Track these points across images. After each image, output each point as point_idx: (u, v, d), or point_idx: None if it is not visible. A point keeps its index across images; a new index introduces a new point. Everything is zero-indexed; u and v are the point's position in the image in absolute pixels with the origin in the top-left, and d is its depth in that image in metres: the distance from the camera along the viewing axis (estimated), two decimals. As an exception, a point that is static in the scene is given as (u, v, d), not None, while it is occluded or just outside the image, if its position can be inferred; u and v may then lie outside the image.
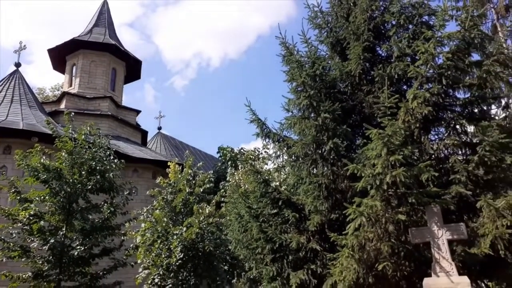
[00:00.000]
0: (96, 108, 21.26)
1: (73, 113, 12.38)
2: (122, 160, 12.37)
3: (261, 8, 70.34)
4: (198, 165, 14.23)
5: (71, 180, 10.84)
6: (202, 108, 76.47)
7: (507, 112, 13.61)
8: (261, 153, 21.95)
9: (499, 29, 13.82)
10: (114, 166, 11.66)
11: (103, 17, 24.24)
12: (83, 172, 11.09)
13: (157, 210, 12.52)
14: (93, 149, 11.43)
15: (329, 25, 8.95)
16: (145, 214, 12.85)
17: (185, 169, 13.32)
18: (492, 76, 6.64)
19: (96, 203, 11.42)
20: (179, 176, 13.08)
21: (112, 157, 11.92)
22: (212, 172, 15.57)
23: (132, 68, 24.95)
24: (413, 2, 7.72)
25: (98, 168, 11.13)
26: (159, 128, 28.46)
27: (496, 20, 14.13)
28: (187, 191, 12.65)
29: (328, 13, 9.04)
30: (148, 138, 25.51)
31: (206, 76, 76.45)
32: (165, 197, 12.78)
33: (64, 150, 11.02)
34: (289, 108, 8.32)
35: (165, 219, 12.22)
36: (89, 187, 11.00)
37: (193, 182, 13.06)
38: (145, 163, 19.19)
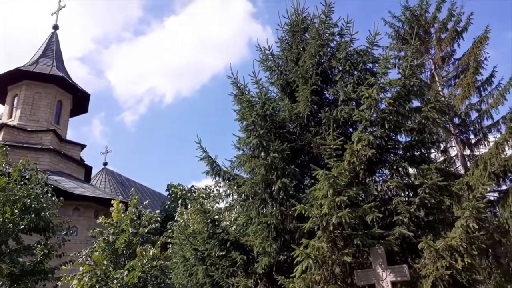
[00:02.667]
0: (38, 141, 20.10)
1: (8, 147, 11.55)
2: (61, 198, 11.59)
3: (216, 49, 71.91)
4: (144, 203, 13.65)
5: (1, 219, 9.93)
6: (152, 144, 74.90)
7: (445, 156, 14.47)
8: (213, 191, 21.57)
9: (436, 78, 14.92)
10: (51, 204, 10.88)
11: (51, 48, 23.49)
12: (16, 211, 10.22)
13: (97, 252, 11.71)
14: (29, 185, 10.64)
15: (279, 68, 9.20)
16: (83, 256, 11.97)
17: (129, 207, 12.70)
18: (430, 122, 7.05)
19: (28, 244, 10.49)
20: (123, 215, 12.43)
21: (50, 194, 11.14)
22: (159, 211, 14.99)
23: (79, 102, 24.09)
24: (358, 49, 8.16)
25: (33, 206, 10.32)
26: (105, 164, 27.30)
27: (434, 69, 15.29)
28: (131, 231, 12.00)
29: (279, 57, 9.32)
30: (93, 174, 24.34)
31: (158, 112, 75.61)
32: (107, 238, 12.03)
33: (-4, 187, 10.15)
34: (240, 146, 8.30)
35: (105, 262, 11.43)
36: (22, 226, 10.12)
37: (138, 222, 12.45)
38: (87, 201, 18.15)
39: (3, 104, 22.60)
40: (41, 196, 10.68)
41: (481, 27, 14.91)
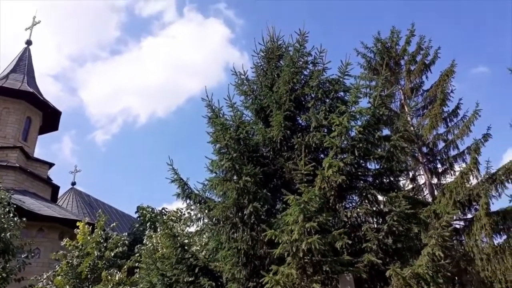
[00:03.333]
0: (3, 158, 19.37)
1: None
2: (24, 219, 11.13)
3: (194, 72, 72.16)
4: (112, 225, 13.25)
5: (-44, 240, 9.42)
6: (124, 165, 73.41)
7: (414, 184, 14.84)
8: (184, 214, 21.17)
9: (405, 108, 15.46)
10: (13, 224, 10.41)
11: (23, 64, 22.98)
12: (-26, 231, 9.72)
13: (60, 276, 11.20)
14: (-10, 204, 10.17)
15: (254, 92, 9.32)
16: (44, 280, 11.42)
17: (96, 229, 12.30)
18: (398, 150, 7.25)
19: (-16, 268, 9.94)
20: (89, 237, 12.01)
21: (12, 214, 10.67)
22: (127, 234, 14.56)
23: (50, 119, 23.49)
24: (330, 78, 8.39)
25: (-8, 226, 9.85)
26: (73, 184, 26.46)
27: (403, 100, 15.85)
28: (96, 254, 11.58)
29: (254, 82, 9.45)
30: (60, 194, 23.52)
31: (131, 132, 74.51)
32: (70, 261, 11.55)
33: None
34: (212, 169, 8.25)
35: (67, 287, 10.93)
36: (-21, 248, 9.62)
37: (105, 244, 12.04)
38: (52, 222, 17.46)
39: (-32, 119, 21.76)
40: (1, 216, 10.22)
41: (448, 61, 15.60)
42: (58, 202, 22.97)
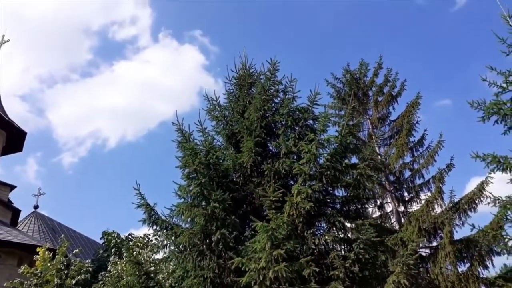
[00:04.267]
0: (-40, 180, 18.39)
1: None
2: (-21, 244, 10.50)
3: (167, 96, 71.88)
4: (75, 251, 12.70)
5: None
6: (90, 189, 71.15)
7: (382, 212, 15.10)
8: (151, 240, 20.57)
9: (373, 137, 15.90)
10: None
11: (-12, 82, 22.27)
12: None
13: (15, 306, 10.56)
14: None
15: (226, 118, 9.39)
16: (-3, 311, 10.73)
17: (57, 256, 11.75)
18: (365, 178, 7.41)
19: None
20: (49, 264, 11.45)
21: (-34, 239, 10.06)
22: (91, 260, 13.98)
23: (14, 139, 22.63)
24: (300, 107, 8.58)
25: None
26: (36, 207, 25.34)
27: (371, 129, 16.32)
28: (56, 282, 11.02)
29: (226, 108, 9.54)
30: (22, 218, 22.43)
31: (100, 156, 72.69)
32: (28, 289, 10.94)
33: None
34: (180, 194, 8.15)
35: (23, 317, 10.30)
36: None
37: (66, 272, 11.49)
38: (10, 247, 16.54)
39: None
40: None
41: (414, 93, 16.31)
42: (18, 226, 21.88)
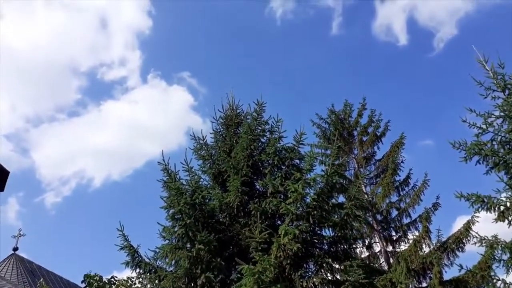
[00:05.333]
0: None
1: None
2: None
3: (154, 136, 71.79)
4: (53, 297, 12.13)
5: None
6: (73, 230, 68.93)
7: (370, 252, 14.92)
8: (134, 283, 19.81)
9: (359, 177, 15.98)
10: None
11: (-27, 121, 22.03)
12: None
13: None
14: None
15: (212, 157, 9.40)
16: None
17: (34, 302, 11.20)
18: (351, 218, 7.39)
19: None
20: (25, 311, 10.88)
21: None
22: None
23: (-4, 179, 22.11)
24: (286, 146, 8.66)
25: None
26: (15, 249, 24.38)
27: (357, 168, 16.45)
28: (32, 331, 10.43)
29: (213, 147, 9.57)
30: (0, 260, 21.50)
31: (84, 195, 71.07)
32: None
33: None
34: (165, 235, 7.96)
35: None
36: None
37: (42, 319, 10.92)
38: (-15, 293, 15.76)
39: None
40: None
41: (397, 133, 16.64)
42: (-6, 270, 20.95)
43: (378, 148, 16.80)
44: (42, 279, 13.51)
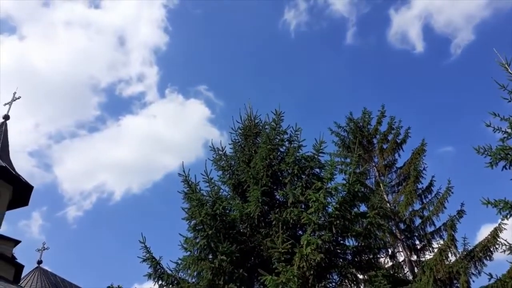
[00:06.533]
0: (-35, 235, 18.18)
1: None
2: (-21, 303, 10.19)
3: (172, 149, 72.54)
4: (78, 309, 12.26)
5: None
6: (95, 242, 69.79)
7: (394, 261, 14.59)
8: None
9: (380, 185, 15.72)
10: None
11: (-2, 138, 22.69)
12: None
13: None
14: None
15: (232, 168, 9.41)
16: None
17: (59, 314, 11.32)
18: (375, 227, 7.25)
19: None
20: (50, 323, 11.00)
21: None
22: (93, 318, 13.42)
23: (20, 194, 22.62)
24: (306, 155, 8.60)
25: None
26: (39, 262, 24.80)
27: (378, 176, 16.19)
28: None
29: (232, 157, 9.59)
30: (25, 273, 21.88)
31: (105, 209, 72.09)
32: None
33: None
34: (186, 247, 7.98)
35: None
36: None
37: (67, 331, 11.02)
38: (12, 306, 16.01)
39: None
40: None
41: (418, 140, 16.33)
42: (21, 282, 21.30)
43: (399, 155, 16.52)
44: (66, 291, 13.67)
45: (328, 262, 6.97)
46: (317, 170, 8.49)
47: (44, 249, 25.16)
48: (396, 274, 13.42)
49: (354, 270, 7.04)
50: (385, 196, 14.94)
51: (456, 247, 12.68)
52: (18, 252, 21.50)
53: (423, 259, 13.98)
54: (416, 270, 13.79)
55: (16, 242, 20.89)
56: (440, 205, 14.23)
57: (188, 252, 7.91)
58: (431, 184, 15.06)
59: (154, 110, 75.13)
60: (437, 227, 14.19)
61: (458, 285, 12.24)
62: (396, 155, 16.45)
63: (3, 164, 21.33)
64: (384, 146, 16.63)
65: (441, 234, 13.99)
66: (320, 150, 8.26)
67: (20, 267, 20.54)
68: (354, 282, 7.14)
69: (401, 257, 14.60)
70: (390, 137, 16.69)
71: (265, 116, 9.70)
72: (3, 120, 24.06)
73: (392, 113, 17.24)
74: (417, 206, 14.83)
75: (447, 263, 12.44)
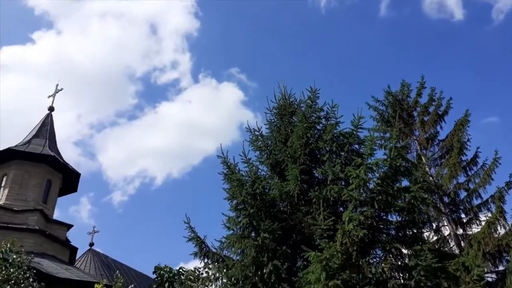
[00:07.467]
0: (23, 221, 19.48)
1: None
2: (43, 283, 10.98)
3: (208, 133, 73.56)
4: (130, 287, 12.95)
5: (-26, 307, 9.28)
6: (140, 225, 72.93)
7: (439, 236, 14.29)
8: (202, 274, 20.59)
9: (422, 158, 15.30)
10: (31, 289, 10.26)
11: (45, 129, 23.80)
12: (-8, 297, 9.59)
13: None
14: (10, 269, 10.10)
15: (268, 147, 9.44)
16: None
17: (113, 292, 12.00)
18: (419, 201, 7.10)
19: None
20: (106, 301, 11.69)
21: (31, 279, 10.55)
22: (145, 295, 14.15)
23: (69, 181, 23.88)
24: (344, 132, 8.47)
25: (11, 292, 9.71)
26: (91, 245, 26.30)
27: (419, 150, 15.74)
28: (114, 319, 11.21)
29: (268, 137, 9.61)
30: (79, 255, 23.30)
31: (148, 193, 74.81)
32: (87, 326, 11.19)
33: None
34: (229, 226, 8.18)
35: None
36: (-4, 315, 9.43)
37: (122, 308, 11.68)
38: (70, 285, 17.16)
39: (-9, 184, 22.31)
40: (21, 281, 10.11)
41: (460, 111, 15.70)
42: (76, 264, 22.74)
43: (441, 127, 15.96)
44: (118, 271, 14.42)
45: (371, 237, 6.94)
46: (356, 146, 8.36)
47: (94, 232, 26.65)
48: (441, 248, 13.15)
49: (398, 245, 6.97)
50: (427, 169, 14.52)
51: (505, 219, 12.26)
52: (70, 236, 22.86)
53: (470, 232, 13.61)
54: (462, 244, 13.46)
55: (69, 226, 22.22)
56: (487, 177, 13.70)
57: (231, 231, 8.11)
58: (476, 156, 14.50)
59: (189, 96, 76.24)
60: (484, 199, 13.70)
61: (508, 258, 11.87)
62: (438, 127, 15.92)
63: (52, 154, 22.51)
64: (425, 119, 16.09)
65: (489, 206, 13.51)
66: (359, 126, 8.11)
67: (74, 250, 21.90)
68: (399, 257, 7.07)
69: (446, 231, 14.27)
70: (431, 109, 16.12)
71: (300, 94, 9.58)
72: (48, 112, 25.29)
73: (432, 85, 16.60)
74: (461, 178, 14.37)
75: (495, 236, 12.06)
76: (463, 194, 14.29)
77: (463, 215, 14.24)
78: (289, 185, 8.10)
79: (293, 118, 9.68)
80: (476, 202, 13.90)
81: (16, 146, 22.12)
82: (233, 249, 7.81)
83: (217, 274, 8.14)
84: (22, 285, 10.08)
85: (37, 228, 19.36)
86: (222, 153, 8.67)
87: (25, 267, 10.58)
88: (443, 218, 14.23)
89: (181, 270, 23.73)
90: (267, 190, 8.44)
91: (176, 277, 21.74)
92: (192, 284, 16.17)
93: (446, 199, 14.46)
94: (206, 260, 8.20)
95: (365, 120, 8.21)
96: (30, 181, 21.30)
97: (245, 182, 8.11)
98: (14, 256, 10.54)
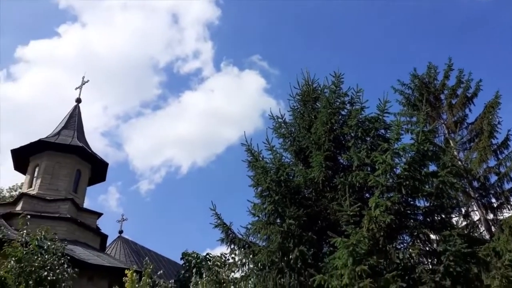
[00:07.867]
0: (56, 210, 20.25)
1: (29, 216, 11.67)
2: (76, 269, 11.42)
3: (231, 121, 73.83)
4: (159, 273, 13.32)
5: (15, 291, 9.77)
6: (167, 213, 74.45)
7: (468, 221, 14.00)
8: (228, 259, 20.93)
9: (451, 142, 14.93)
10: (66, 275, 10.71)
11: (73, 120, 24.50)
12: (31, 282, 10.06)
13: (109, 326, 11.25)
14: (46, 256, 10.56)
15: (292, 134, 9.40)
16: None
17: (143, 277, 12.38)
18: (447, 186, 6.96)
19: (40, 318, 10.17)
20: (137, 285, 12.08)
21: (66, 265, 11.00)
22: (173, 280, 14.54)
23: (98, 170, 24.58)
24: (369, 117, 8.32)
25: (48, 278, 10.17)
26: (120, 232, 27.08)
27: (447, 134, 15.35)
28: (145, 303, 11.58)
29: (291, 124, 9.55)
30: (109, 242, 24.07)
31: (174, 181, 76.09)
32: (120, 310, 11.62)
33: (13, 257, 10.11)
34: (255, 212, 8.24)
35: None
36: (35, 299, 9.91)
37: (152, 292, 12.05)
38: (102, 271, 17.78)
39: (25, 174, 23.21)
40: (56, 267, 10.56)
41: (490, 93, 15.15)
42: (106, 250, 23.53)
43: (470, 110, 15.49)
44: (147, 257, 14.82)
45: (398, 223, 6.86)
46: (382, 131, 8.22)
47: (123, 220, 27.43)
48: (471, 234, 12.89)
49: (426, 230, 6.87)
50: (456, 153, 14.18)
51: (538, 203, 11.87)
52: (100, 224, 23.59)
53: (501, 217, 13.26)
54: (493, 229, 13.15)
55: (99, 214, 22.93)
56: (519, 161, 13.28)
57: (257, 217, 8.17)
58: (507, 139, 14.03)
59: (212, 85, 76.56)
60: (516, 183, 13.31)
61: (542, 243, 11.51)
62: (467, 110, 15.45)
63: (81, 145, 23.15)
64: (453, 102, 15.64)
65: (521, 190, 13.12)
66: (385, 110, 7.95)
67: (104, 237, 22.63)
68: (427, 242, 6.98)
69: (476, 216, 13.97)
70: (459, 92, 15.63)
71: (324, 79, 9.44)
72: (76, 104, 25.94)
73: (460, 67, 16.07)
74: (492, 162, 13.97)
75: (528, 220, 11.72)
76: (493, 178, 13.92)
77: (493, 200, 13.88)
78: (314, 171, 8.06)
79: (317, 104, 9.57)
80: (507, 186, 13.54)
81: (46, 137, 22.87)
82: (259, 235, 7.87)
83: (244, 260, 8.24)
84: (58, 270, 10.52)
85: (69, 216, 20.08)
86: (246, 140, 8.70)
87: (59, 254, 11.04)
88: (473, 203, 13.91)
89: (208, 256, 24.25)
90: (291, 177, 8.43)
91: (203, 263, 22.24)
92: (219, 270, 16.48)
93: (475, 184, 14.11)
94: (232, 246, 8.31)
95: (391, 104, 8.04)
96: (60, 171, 22.04)
97: (270, 169, 8.12)
98: (49, 243, 11.00)
